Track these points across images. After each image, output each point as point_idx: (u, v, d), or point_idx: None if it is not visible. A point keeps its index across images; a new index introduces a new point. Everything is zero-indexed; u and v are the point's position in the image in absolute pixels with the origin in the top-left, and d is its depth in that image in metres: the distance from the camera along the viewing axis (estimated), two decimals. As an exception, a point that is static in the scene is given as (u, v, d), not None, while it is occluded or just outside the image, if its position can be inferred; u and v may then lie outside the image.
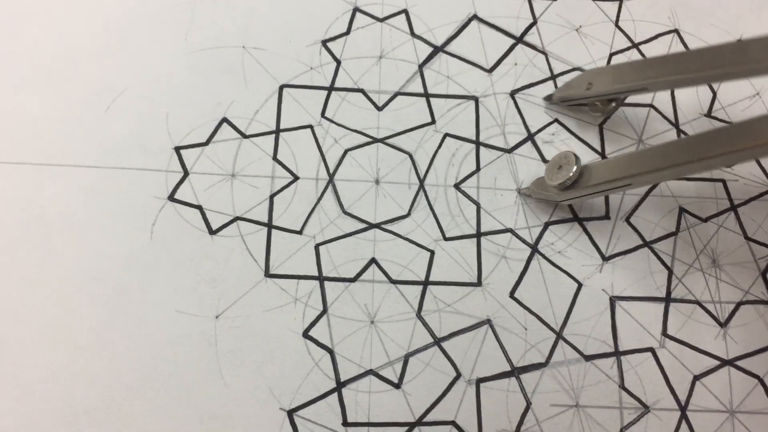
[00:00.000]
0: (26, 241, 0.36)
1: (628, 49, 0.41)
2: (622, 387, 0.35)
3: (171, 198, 0.37)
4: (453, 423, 0.34)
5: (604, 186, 0.33)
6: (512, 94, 0.40)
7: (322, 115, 0.39)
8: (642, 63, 0.35)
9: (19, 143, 0.37)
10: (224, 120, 0.38)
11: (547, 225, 0.38)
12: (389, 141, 0.39)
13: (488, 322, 0.36)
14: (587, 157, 0.39)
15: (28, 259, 0.35)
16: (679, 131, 0.40)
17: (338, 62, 0.40)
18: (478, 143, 0.39)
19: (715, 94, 0.41)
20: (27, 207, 0.36)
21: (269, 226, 0.37)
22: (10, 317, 0.34)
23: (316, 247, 0.36)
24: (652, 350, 0.36)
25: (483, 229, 0.37)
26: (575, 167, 0.34)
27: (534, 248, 0.37)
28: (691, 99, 0.41)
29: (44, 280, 0.35)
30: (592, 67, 0.40)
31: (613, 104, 0.38)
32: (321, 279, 0.36)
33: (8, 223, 0.36)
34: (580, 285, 0.37)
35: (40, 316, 0.35)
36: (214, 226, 0.36)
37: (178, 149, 0.37)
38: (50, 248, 0.36)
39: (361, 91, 0.39)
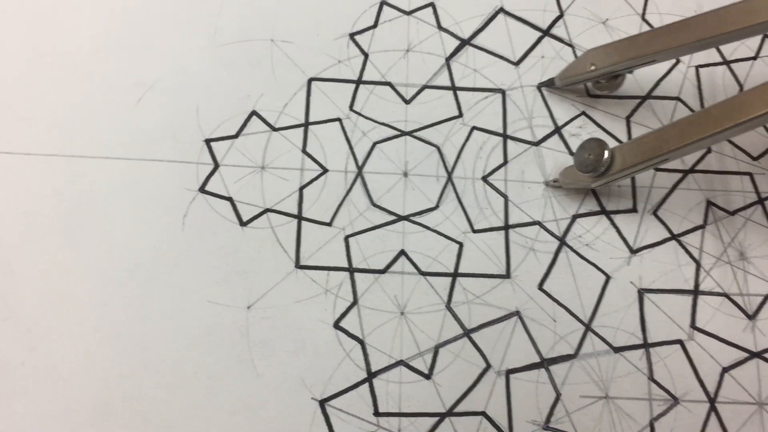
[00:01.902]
0: (58, 233, 0.36)
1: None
2: (651, 379, 0.36)
3: (202, 190, 0.37)
4: (483, 414, 0.35)
5: (639, 166, 0.33)
6: (539, 87, 0.40)
7: (351, 108, 0.39)
8: (646, 35, 0.35)
9: (51, 135, 0.37)
10: (253, 113, 0.39)
11: (575, 218, 0.38)
12: (417, 134, 0.39)
13: (517, 313, 0.36)
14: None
15: (61, 251, 0.36)
16: (707, 124, 0.40)
17: (366, 55, 0.40)
18: (505, 136, 0.39)
19: (741, 87, 0.41)
20: (59, 199, 0.36)
21: (299, 217, 0.37)
22: (44, 309, 0.35)
23: (346, 238, 0.37)
24: (680, 342, 0.36)
25: (511, 222, 0.38)
26: (606, 153, 0.34)
27: (562, 241, 0.37)
28: (718, 92, 0.41)
29: (77, 271, 0.35)
30: (592, 47, 0.39)
31: (619, 79, 0.38)
32: (351, 270, 0.36)
33: (41, 215, 0.36)
34: (608, 277, 0.37)
35: (74, 307, 0.35)
36: (245, 218, 0.37)
37: (208, 141, 0.38)
38: (82, 240, 0.36)
39: (389, 84, 0.40)
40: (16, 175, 0.37)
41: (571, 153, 0.39)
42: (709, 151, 0.39)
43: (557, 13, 0.42)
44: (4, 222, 0.36)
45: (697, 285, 0.37)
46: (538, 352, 0.36)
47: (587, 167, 0.35)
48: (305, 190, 0.37)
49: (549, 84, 0.40)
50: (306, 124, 0.39)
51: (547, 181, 0.38)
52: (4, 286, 0.35)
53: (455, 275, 0.36)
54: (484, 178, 0.38)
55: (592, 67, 0.37)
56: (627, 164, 0.34)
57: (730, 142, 0.40)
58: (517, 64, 0.41)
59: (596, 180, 0.35)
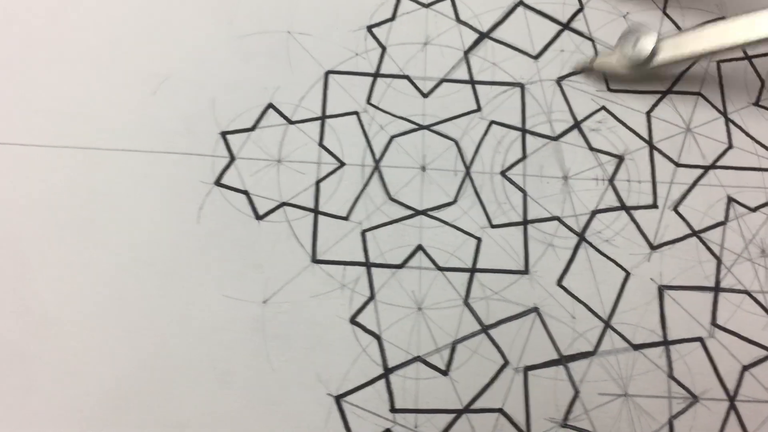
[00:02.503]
0: (74, 225, 0.36)
1: (675, 36, 0.41)
2: (671, 377, 0.35)
3: (218, 183, 0.37)
4: (500, 410, 0.34)
5: (680, 59, 0.36)
6: (558, 81, 0.40)
7: (368, 101, 0.39)
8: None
9: (66, 127, 0.37)
10: (270, 105, 0.38)
11: (594, 213, 0.37)
12: (435, 128, 0.38)
13: (536, 310, 0.36)
14: (634, 144, 0.39)
15: (76, 244, 0.35)
16: (728, 120, 0.39)
17: (383, 48, 0.40)
18: (524, 131, 0.39)
19: (763, 83, 0.40)
20: (74, 191, 0.36)
21: (315, 211, 0.37)
22: (59, 301, 0.35)
23: (363, 233, 0.36)
24: (701, 340, 0.36)
25: (529, 217, 0.37)
26: (655, 38, 0.35)
27: (581, 236, 0.37)
28: (740, 88, 0.40)
29: (92, 264, 0.35)
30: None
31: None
32: (368, 265, 0.36)
33: (56, 206, 0.36)
34: (628, 274, 0.37)
35: (89, 300, 0.35)
36: (261, 212, 0.36)
37: (224, 134, 0.37)
38: (98, 232, 0.36)
39: (407, 77, 0.39)
40: (31, 167, 0.36)
41: (591, 148, 0.39)
42: (730, 146, 0.39)
43: (577, 6, 0.41)
44: (20, 214, 0.36)
45: (718, 282, 0.37)
46: (557, 349, 0.35)
47: (631, 53, 0.36)
48: (322, 184, 0.37)
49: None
50: (323, 118, 0.38)
51: (576, 68, 0.39)
52: (18, 278, 0.35)
53: (473, 271, 0.36)
54: (503, 173, 0.38)
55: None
56: (667, 57, 0.36)
57: (751, 137, 0.39)
58: (536, 57, 0.40)
59: (636, 68, 0.36)
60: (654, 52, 0.36)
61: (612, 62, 0.37)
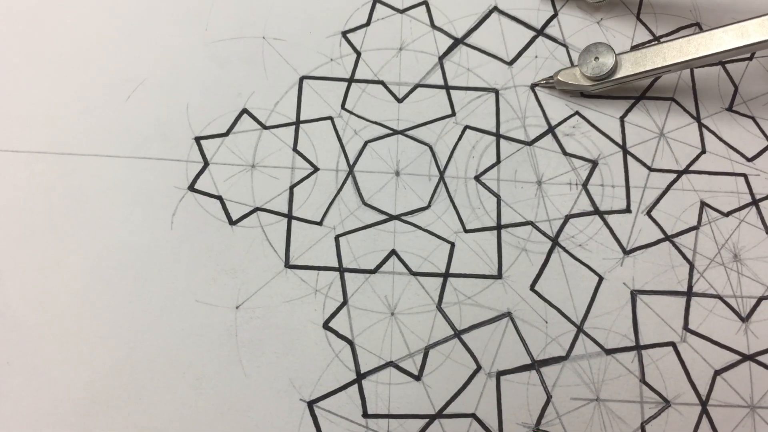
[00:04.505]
0: (46, 230, 0.36)
1: (649, 41, 0.41)
2: (643, 381, 0.35)
3: (191, 188, 0.37)
4: (473, 416, 0.34)
5: (639, 75, 0.37)
6: (533, 86, 0.40)
7: (342, 106, 0.39)
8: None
9: (39, 132, 0.37)
10: (244, 111, 0.38)
11: (567, 218, 0.38)
12: (409, 133, 0.39)
13: (508, 314, 0.36)
14: (608, 149, 0.39)
15: (48, 248, 0.35)
16: (701, 125, 0.40)
17: (358, 54, 0.40)
18: (498, 136, 0.39)
19: (736, 88, 0.41)
20: (47, 196, 0.36)
21: (289, 216, 0.37)
22: (31, 307, 0.35)
23: (336, 238, 0.36)
24: (673, 344, 0.36)
25: (503, 222, 0.37)
26: (613, 59, 0.37)
27: (555, 241, 0.37)
28: (713, 93, 0.40)
29: (64, 268, 0.35)
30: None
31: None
32: (341, 270, 0.36)
33: (28, 211, 0.36)
34: (600, 278, 0.37)
35: (60, 306, 0.35)
36: (234, 217, 0.36)
37: (198, 139, 0.37)
38: (70, 237, 0.36)
39: (381, 82, 0.39)
40: (3, 172, 0.36)
41: (565, 153, 0.39)
42: (703, 151, 0.39)
43: (551, 12, 0.41)
44: (-9, 219, 0.36)
45: (690, 287, 0.37)
46: (530, 353, 0.35)
47: (591, 70, 0.37)
48: (296, 189, 0.37)
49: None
50: (297, 123, 0.38)
51: (537, 82, 0.39)
52: (-10, 284, 0.35)
53: (446, 275, 0.36)
54: (477, 178, 0.38)
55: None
56: (628, 72, 0.37)
57: (724, 142, 0.39)
58: (510, 63, 0.40)
59: (596, 84, 0.37)
60: (614, 68, 0.37)
61: (576, 75, 0.38)
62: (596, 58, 0.37)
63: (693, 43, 0.36)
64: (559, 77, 0.38)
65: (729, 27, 0.35)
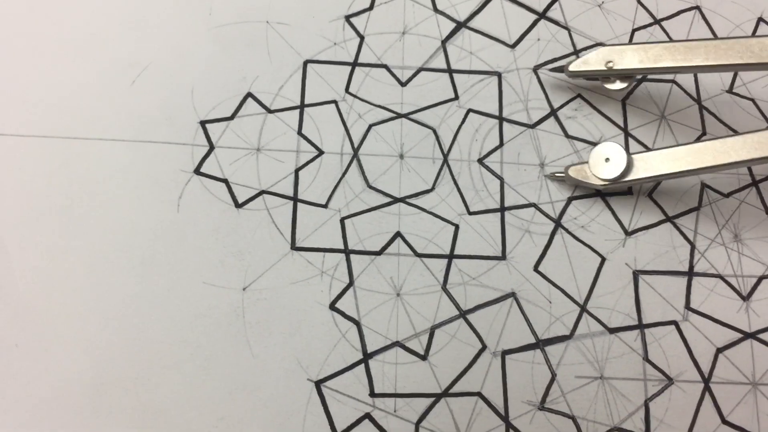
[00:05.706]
0: (53, 214, 0.36)
1: (650, 25, 0.41)
2: (646, 359, 0.36)
3: (197, 172, 0.37)
4: (479, 394, 0.35)
5: (653, 179, 0.36)
6: (535, 69, 0.40)
7: (346, 90, 0.39)
8: (670, 47, 0.35)
9: (46, 117, 0.37)
10: (249, 95, 0.38)
11: (570, 200, 0.38)
12: (413, 116, 0.39)
13: (513, 295, 0.36)
14: (610, 132, 0.39)
15: (56, 232, 0.35)
16: (702, 107, 0.40)
17: (362, 38, 0.40)
18: (501, 119, 0.39)
19: (736, 71, 0.41)
20: (54, 180, 0.36)
21: (295, 199, 0.37)
22: (38, 290, 0.35)
23: (342, 220, 0.37)
24: (675, 323, 0.36)
25: (507, 204, 0.38)
26: (625, 162, 0.35)
27: (557, 223, 0.37)
28: (714, 76, 0.41)
29: (71, 253, 0.35)
30: (613, 43, 0.40)
31: (629, 84, 0.38)
32: (347, 252, 0.36)
33: (35, 196, 0.36)
34: (603, 259, 0.37)
35: (68, 289, 0.35)
36: (240, 200, 0.37)
37: (203, 123, 0.38)
38: (77, 221, 0.36)
39: (385, 66, 0.40)
40: (10, 156, 0.36)
41: (567, 135, 0.39)
42: (704, 133, 0.40)
43: (553, -4, 0.42)
44: (-2, 203, 0.36)
45: (691, 266, 0.37)
46: (534, 333, 0.36)
47: (603, 171, 0.36)
48: (301, 172, 0.37)
49: (558, 71, 0.39)
50: (302, 107, 0.38)
51: (551, 174, 0.38)
52: (-2, 267, 0.35)
53: (451, 257, 0.37)
54: (480, 161, 0.38)
55: (609, 63, 0.37)
56: (641, 175, 0.36)
57: (725, 124, 0.40)
58: (513, 46, 0.40)
59: (608, 184, 0.36)
60: (625, 172, 0.36)
61: (586, 173, 0.37)
62: (607, 159, 0.36)
63: (707, 147, 0.34)
64: (569, 172, 0.37)
65: (747, 136, 0.34)
